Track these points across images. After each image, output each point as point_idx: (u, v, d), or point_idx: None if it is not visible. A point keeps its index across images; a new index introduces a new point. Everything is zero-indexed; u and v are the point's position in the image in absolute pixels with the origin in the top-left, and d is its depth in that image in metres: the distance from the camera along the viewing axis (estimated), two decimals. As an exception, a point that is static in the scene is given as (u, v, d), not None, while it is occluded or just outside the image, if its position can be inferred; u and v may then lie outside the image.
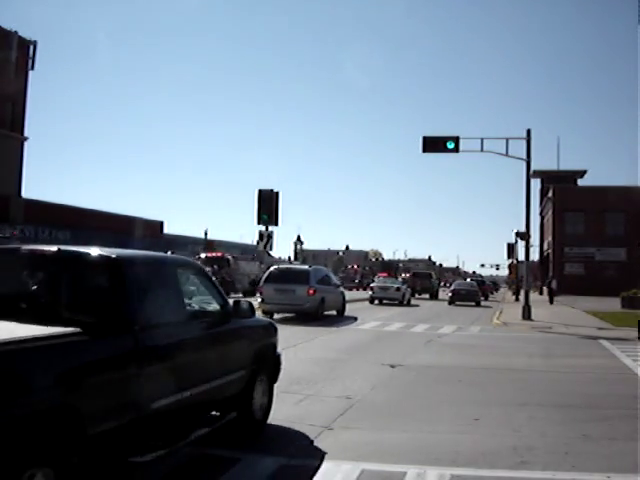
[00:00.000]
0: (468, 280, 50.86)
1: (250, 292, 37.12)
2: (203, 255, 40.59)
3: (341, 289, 25.65)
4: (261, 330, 7.13)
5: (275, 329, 7.43)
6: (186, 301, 5.75)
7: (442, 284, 68.43)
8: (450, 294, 39.68)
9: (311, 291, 21.26)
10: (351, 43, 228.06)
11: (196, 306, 6.06)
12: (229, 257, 40.81)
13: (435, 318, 25.59)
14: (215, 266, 38.63)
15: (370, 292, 36.16)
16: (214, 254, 41.46)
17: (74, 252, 5.25)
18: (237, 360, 6.22)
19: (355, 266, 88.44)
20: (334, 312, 23.44)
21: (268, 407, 6.84)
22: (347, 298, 25.95)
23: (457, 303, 37.94)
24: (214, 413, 6.10)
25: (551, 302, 39.18)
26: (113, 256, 4.95)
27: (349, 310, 25.10)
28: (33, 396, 3.66)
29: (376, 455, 5.88)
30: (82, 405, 3.97)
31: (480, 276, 77.48)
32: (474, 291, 39.65)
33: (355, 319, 22.52)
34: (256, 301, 19.95)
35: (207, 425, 5.72)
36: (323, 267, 28.51)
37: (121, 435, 4.40)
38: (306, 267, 24.52)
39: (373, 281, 41.27)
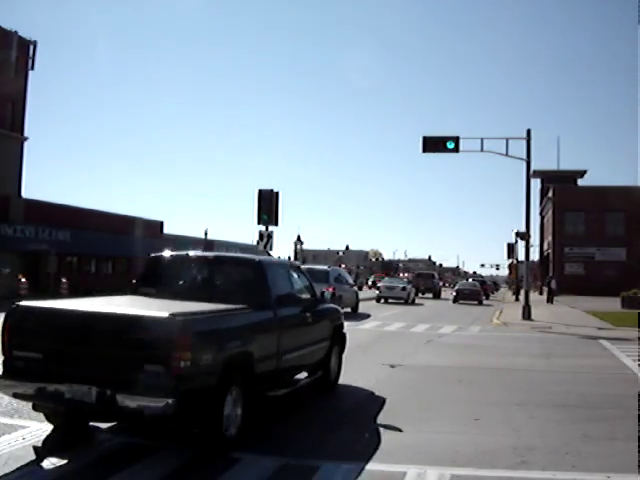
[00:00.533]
0: (470, 280, 52.76)
1: None
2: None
3: (355, 288, 27.43)
4: (335, 313, 9.56)
5: (342, 313, 9.95)
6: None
7: (442, 284, 68.77)
8: (454, 293, 41.61)
9: (330, 289, 22.18)
10: (351, 44, 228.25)
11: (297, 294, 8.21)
12: None
13: (437, 317, 25.85)
14: None
15: (377, 291, 38.29)
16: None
17: (231, 257, 8.68)
18: (323, 333, 8.70)
19: (343, 266, 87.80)
20: (349, 309, 24.96)
21: (339, 371, 9.33)
22: None
23: (460, 302, 39.64)
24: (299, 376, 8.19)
25: (550, 302, 39.41)
26: (257, 260, 7.74)
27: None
28: (233, 343, 6.05)
29: (376, 455, 5.88)
30: (253, 351, 6.29)
31: (480, 276, 79.40)
32: (477, 291, 41.77)
33: (369, 315, 24.17)
34: None
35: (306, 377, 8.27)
36: (338, 267, 30.08)
37: (269, 376, 6.81)
38: (325, 267, 26.53)
39: (368, 281, 42.24)
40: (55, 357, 5.52)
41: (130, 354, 5.36)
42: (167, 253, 8.01)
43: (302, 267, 9.69)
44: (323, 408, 8.09)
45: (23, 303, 5.94)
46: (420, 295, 45.42)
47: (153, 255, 8.15)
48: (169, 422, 5.59)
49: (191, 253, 7.98)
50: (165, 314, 5.38)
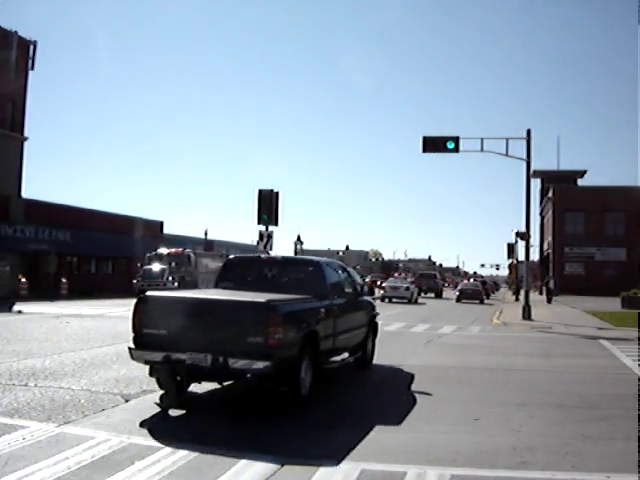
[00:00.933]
0: (471, 281, 54.86)
1: None
2: (162, 251, 37.78)
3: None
4: (370, 304, 11.76)
5: (375, 305, 12.22)
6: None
7: (444, 284, 69.72)
8: (458, 293, 44.31)
9: None
10: (352, 44, 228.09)
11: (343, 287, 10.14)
12: (190, 254, 37.65)
13: (438, 317, 26.05)
14: (173, 263, 35.66)
15: (382, 291, 39.57)
16: (173, 250, 38.12)
17: (296, 258, 11.95)
18: (362, 320, 10.80)
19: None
20: None
21: (373, 352, 11.49)
22: None
23: (463, 301, 42.14)
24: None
25: (549, 301, 39.90)
26: (316, 260, 9.82)
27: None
28: (307, 324, 7.97)
29: (376, 455, 5.88)
30: (319, 331, 8.19)
31: (481, 276, 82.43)
32: (478, 290, 44.70)
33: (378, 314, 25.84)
34: None
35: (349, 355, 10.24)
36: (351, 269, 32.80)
37: (328, 352, 8.81)
38: None
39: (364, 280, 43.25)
40: (177, 333, 7.29)
41: (236, 329, 7.19)
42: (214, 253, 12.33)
43: None
44: (365, 379, 10.74)
45: (150, 293, 7.84)
46: (422, 295, 46.14)
47: (231, 257, 10.80)
48: (265, 381, 7.50)
49: (262, 255, 10.69)
50: (263, 300, 7.27)
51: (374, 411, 7.92)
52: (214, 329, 7.26)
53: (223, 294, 8.22)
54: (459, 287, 47.05)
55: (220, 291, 8.84)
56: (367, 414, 7.65)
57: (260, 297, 7.40)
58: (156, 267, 35.90)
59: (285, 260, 10.18)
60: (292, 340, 7.33)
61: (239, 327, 7.15)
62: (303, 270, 9.59)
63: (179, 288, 31.20)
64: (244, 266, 10.12)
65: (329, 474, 5.33)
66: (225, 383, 8.38)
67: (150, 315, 7.45)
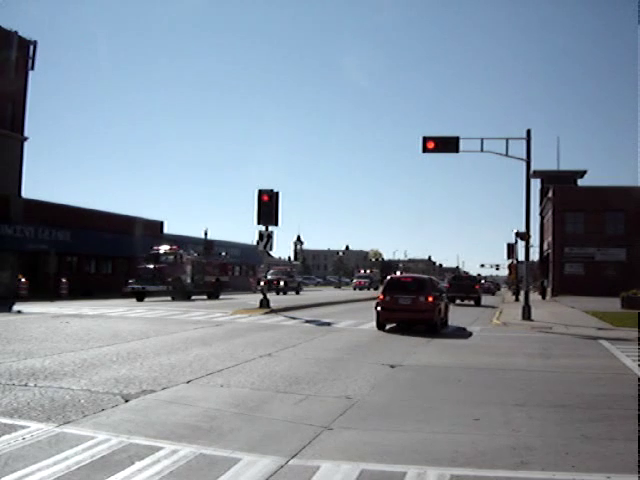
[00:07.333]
0: (483, 282, 74.23)
1: None
2: None
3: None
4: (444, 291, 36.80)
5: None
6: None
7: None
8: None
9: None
10: (352, 44, 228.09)
11: None
12: None
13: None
14: None
15: None
16: None
17: (471, 276, 53.79)
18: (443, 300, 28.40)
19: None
20: None
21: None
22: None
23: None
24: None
25: (542, 298, 43.43)
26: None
27: (357, 309, 27.17)
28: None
29: (376, 455, 5.88)
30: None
31: (484, 277, 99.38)
32: (491, 287, 76.36)
33: None
34: None
35: None
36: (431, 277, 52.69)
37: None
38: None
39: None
40: (455, 290, 39.64)
41: (470, 289, 40.62)
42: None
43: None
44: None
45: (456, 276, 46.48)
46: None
47: (454, 274, 52.58)
48: (474, 300, 40.31)
49: (463, 275, 50.71)
50: (473, 281, 43.57)
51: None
52: (465, 289, 40.06)
53: (462, 282, 42.11)
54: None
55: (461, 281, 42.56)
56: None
57: (469, 283, 41.43)
58: None
59: (468, 276, 47.61)
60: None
61: (471, 288, 40.14)
62: (471, 278, 44.24)
63: None
64: (456, 278, 43.48)
65: (329, 474, 5.33)
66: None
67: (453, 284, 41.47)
